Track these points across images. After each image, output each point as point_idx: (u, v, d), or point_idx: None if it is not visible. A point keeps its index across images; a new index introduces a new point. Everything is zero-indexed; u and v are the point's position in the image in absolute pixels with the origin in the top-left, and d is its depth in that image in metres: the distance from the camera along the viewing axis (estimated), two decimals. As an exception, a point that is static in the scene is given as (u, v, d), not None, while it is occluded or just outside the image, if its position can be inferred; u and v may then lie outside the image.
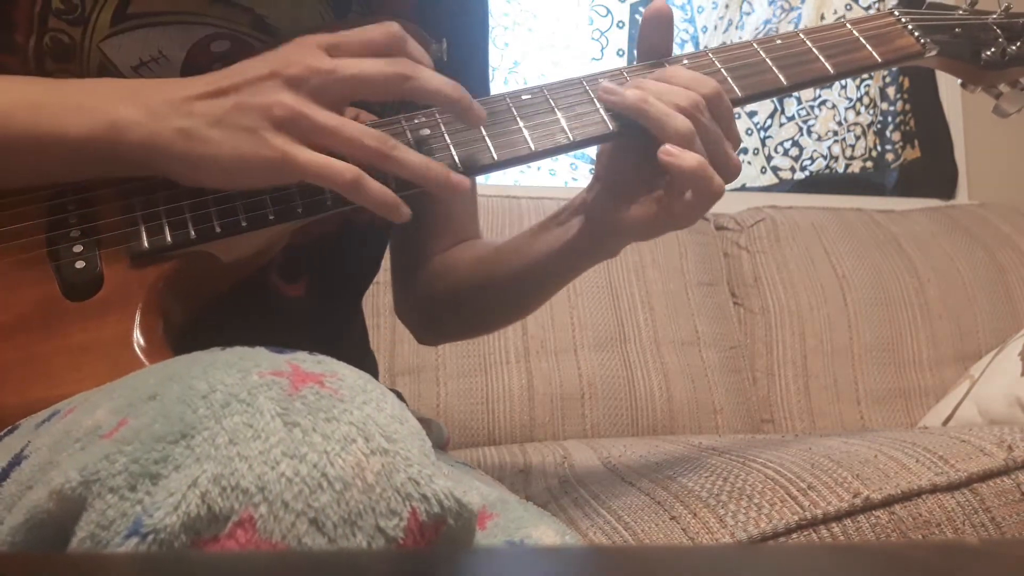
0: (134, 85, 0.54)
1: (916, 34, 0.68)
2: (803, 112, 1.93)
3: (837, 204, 1.75)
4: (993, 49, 0.71)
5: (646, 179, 0.62)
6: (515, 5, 1.79)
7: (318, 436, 0.32)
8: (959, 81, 0.74)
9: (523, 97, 0.60)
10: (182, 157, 0.51)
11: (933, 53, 0.69)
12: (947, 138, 2.01)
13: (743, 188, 1.89)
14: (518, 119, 0.59)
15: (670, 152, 0.57)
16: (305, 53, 0.52)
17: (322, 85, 0.51)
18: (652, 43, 0.64)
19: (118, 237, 0.53)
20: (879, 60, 0.66)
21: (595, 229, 0.65)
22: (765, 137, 1.91)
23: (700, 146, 0.57)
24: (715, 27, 1.89)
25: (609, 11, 1.84)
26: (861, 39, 0.67)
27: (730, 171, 0.59)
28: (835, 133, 1.95)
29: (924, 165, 1.99)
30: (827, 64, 0.65)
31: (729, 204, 1.75)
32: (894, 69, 1.98)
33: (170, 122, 0.50)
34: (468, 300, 0.77)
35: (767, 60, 0.64)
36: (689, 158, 0.56)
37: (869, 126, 1.97)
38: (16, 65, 0.58)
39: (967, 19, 0.72)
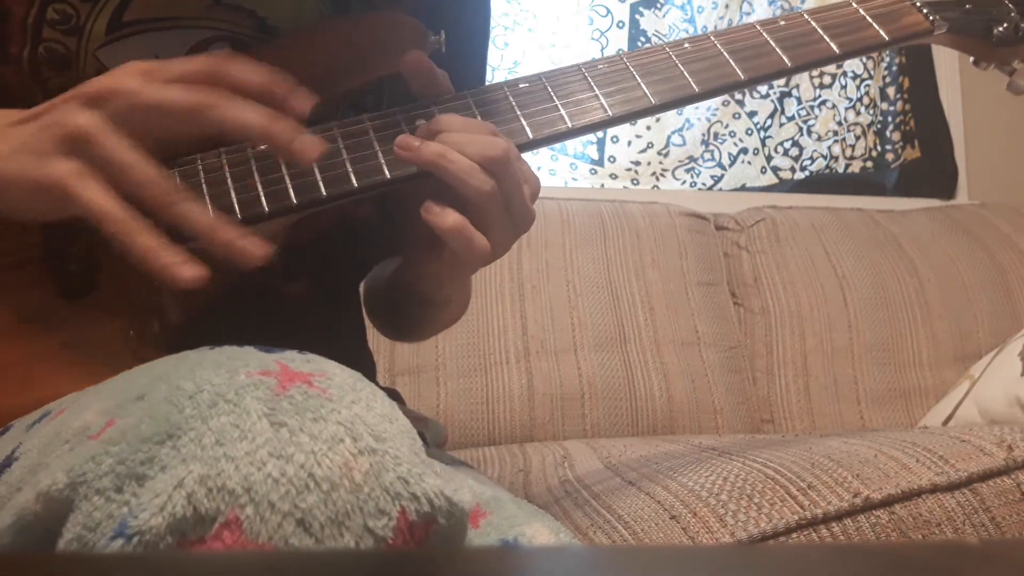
0: None
1: (925, 11, 0.67)
2: (803, 112, 1.93)
3: (837, 204, 1.75)
4: (1005, 25, 0.69)
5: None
6: (515, 5, 1.78)
7: (305, 436, 0.31)
8: (971, 59, 0.72)
9: (520, 86, 0.60)
10: None
11: (943, 30, 0.67)
12: (947, 138, 2.01)
13: (743, 188, 1.89)
14: (516, 108, 0.58)
15: (430, 210, 0.52)
16: (118, 75, 0.46)
17: (124, 110, 0.45)
18: (424, 93, 0.59)
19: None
20: (886, 38, 0.65)
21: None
22: (765, 137, 1.91)
23: (499, 202, 0.53)
24: (715, 27, 1.88)
25: (609, 11, 1.83)
26: (867, 18, 0.65)
27: (526, 221, 0.55)
28: (835, 133, 1.94)
29: (924, 165, 1.98)
30: (832, 44, 0.63)
31: (729, 204, 1.75)
32: (895, 69, 1.98)
33: None
34: (381, 306, 0.77)
35: (770, 42, 0.62)
36: (449, 218, 0.52)
37: (869, 126, 1.97)
38: (11, 76, 0.57)
39: None
